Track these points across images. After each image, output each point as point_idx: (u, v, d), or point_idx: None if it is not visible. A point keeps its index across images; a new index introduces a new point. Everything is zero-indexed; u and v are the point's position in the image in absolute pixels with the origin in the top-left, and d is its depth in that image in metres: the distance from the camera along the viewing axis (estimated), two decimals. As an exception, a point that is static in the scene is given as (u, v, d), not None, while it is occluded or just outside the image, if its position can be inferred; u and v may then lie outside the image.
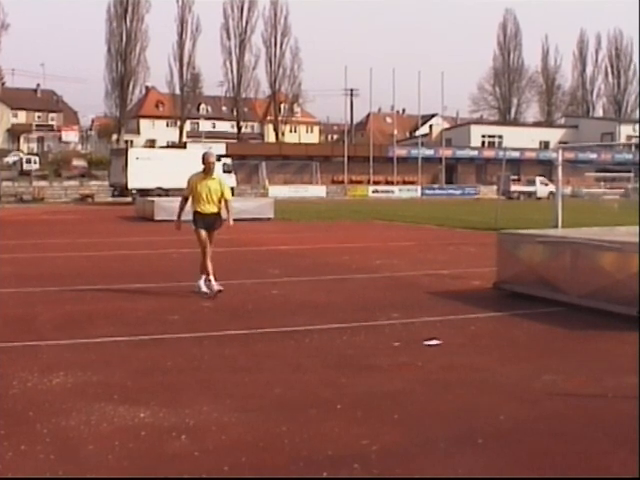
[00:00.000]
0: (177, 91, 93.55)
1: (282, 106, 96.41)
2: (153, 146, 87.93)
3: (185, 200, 12.26)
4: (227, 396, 6.38)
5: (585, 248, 10.56)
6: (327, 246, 20.96)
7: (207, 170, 12.09)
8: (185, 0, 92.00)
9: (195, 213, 12.08)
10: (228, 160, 58.29)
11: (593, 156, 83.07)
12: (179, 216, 12.30)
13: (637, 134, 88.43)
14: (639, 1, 45.20)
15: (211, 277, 11.70)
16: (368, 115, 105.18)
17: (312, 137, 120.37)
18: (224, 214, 12.18)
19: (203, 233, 11.94)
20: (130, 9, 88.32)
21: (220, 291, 11.52)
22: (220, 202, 12.15)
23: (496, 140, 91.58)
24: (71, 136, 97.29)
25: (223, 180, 12.47)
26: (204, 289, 11.71)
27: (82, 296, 11.83)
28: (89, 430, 5.50)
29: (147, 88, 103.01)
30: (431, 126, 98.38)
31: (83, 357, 7.82)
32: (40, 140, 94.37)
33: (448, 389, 6.69)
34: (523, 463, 4.97)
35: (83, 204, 56.70)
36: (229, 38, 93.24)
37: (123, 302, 11.26)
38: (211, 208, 12.04)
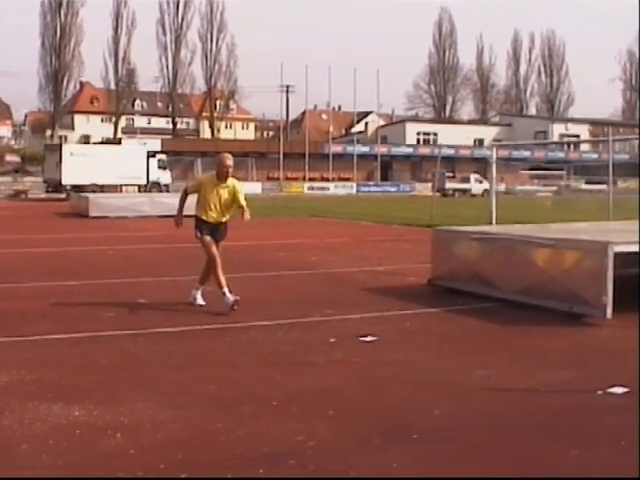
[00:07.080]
0: (112, 86, 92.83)
1: (218, 102, 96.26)
2: (88, 142, 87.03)
3: (186, 195, 10.81)
4: (162, 393, 6.36)
5: (519, 245, 10.70)
6: (263, 243, 20.91)
7: (220, 175, 10.44)
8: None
9: (199, 220, 10.56)
10: (163, 156, 58.25)
11: (527, 154, 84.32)
12: (179, 211, 10.84)
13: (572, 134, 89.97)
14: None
15: (225, 289, 10.26)
16: (304, 112, 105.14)
17: (248, 133, 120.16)
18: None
19: (208, 239, 10.42)
20: (65, 3, 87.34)
21: (237, 301, 10.09)
22: (230, 211, 10.63)
23: (431, 137, 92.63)
24: (4, 131, 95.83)
25: (238, 186, 10.63)
26: (200, 301, 10.53)
27: (16, 293, 11.68)
28: (22, 429, 5.44)
29: (82, 83, 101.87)
30: (367, 123, 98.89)
31: (17, 355, 7.73)
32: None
33: (383, 385, 6.75)
34: (458, 457, 5.03)
35: (17, 200, 55.75)
36: (165, 33, 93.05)
37: (58, 299, 11.11)
38: (219, 218, 10.52)
